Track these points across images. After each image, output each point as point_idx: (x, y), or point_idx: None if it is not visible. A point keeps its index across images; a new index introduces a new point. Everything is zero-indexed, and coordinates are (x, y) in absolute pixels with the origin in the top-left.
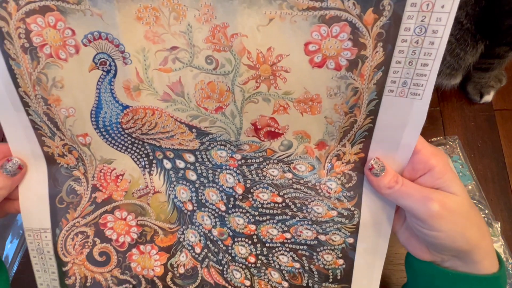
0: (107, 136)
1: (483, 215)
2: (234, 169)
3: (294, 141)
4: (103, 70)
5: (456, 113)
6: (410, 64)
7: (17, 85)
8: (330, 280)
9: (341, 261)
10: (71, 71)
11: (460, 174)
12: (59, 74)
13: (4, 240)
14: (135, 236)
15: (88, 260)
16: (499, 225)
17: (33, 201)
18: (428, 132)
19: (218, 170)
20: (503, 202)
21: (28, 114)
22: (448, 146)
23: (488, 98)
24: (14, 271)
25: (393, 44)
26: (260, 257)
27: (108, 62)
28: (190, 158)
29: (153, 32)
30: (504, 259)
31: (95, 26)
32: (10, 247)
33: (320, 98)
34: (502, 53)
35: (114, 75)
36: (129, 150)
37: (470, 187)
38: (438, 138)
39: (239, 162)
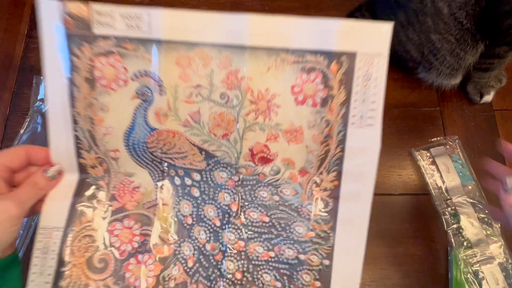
0: (133, 153)
1: (482, 215)
2: (232, 189)
3: (281, 167)
4: (142, 100)
5: (456, 113)
6: (363, 102)
7: (72, 106)
8: None
9: (318, 284)
10: (117, 99)
11: (460, 174)
12: (107, 100)
13: None
14: (136, 245)
15: (87, 265)
16: (499, 226)
17: (57, 201)
18: (428, 132)
19: (218, 189)
20: None
21: (75, 130)
22: (448, 146)
23: (488, 98)
24: None
25: (350, 87)
26: (246, 274)
27: (147, 94)
28: (197, 177)
29: (185, 74)
30: (504, 259)
31: (143, 66)
32: None
33: (302, 129)
34: (502, 53)
35: (150, 104)
36: (148, 166)
37: (470, 187)
38: (438, 138)
39: (236, 183)
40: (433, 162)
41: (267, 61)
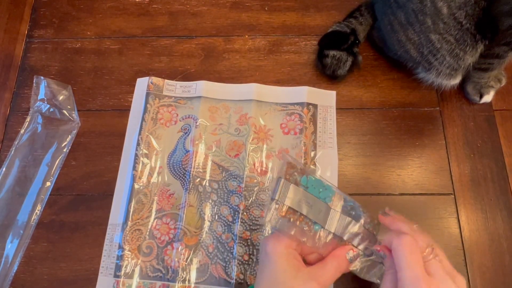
0: (171, 169)
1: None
2: (240, 193)
3: (275, 178)
4: (184, 132)
5: (455, 113)
6: (324, 132)
7: (139, 133)
8: None
9: None
10: (167, 132)
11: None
12: (161, 132)
13: (4, 240)
14: (171, 236)
15: (138, 250)
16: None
17: (118, 204)
18: (428, 132)
19: (230, 194)
20: (503, 202)
21: (137, 150)
22: None
23: (488, 98)
24: (14, 271)
25: (316, 123)
26: (251, 256)
27: (188, 129)
28: (215, 185)
29: (213, 116)
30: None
31: (188, 111)
32: (10, 247)
33: (289, 150)
34: (501, 54)
35: (188, 134)
36: (181, 178)
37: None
38: None
39: (243, 189)
40: None
41: (265, 108)
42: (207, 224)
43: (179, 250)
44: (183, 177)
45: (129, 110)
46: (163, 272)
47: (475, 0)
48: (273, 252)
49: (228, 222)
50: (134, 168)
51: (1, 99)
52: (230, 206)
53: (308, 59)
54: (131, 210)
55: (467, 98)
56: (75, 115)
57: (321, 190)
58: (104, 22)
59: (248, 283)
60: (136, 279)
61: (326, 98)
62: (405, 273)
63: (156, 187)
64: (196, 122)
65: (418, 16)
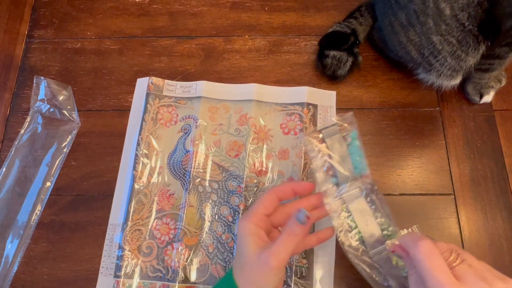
0: (172, 169)
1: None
2: (240, 193)
3: (275, 178)
4: (184, 133)
5: (455, 113)
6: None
7: (139, 133)
8: (298, 276)
9: (304, 261)
10: (168, 132)
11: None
12: (161, 132)
13: (4, 240)
14: (171, 236)
15: (138, 250)
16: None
17: (118, 204)
18: (428, 132)
19: (230, 194)
20: (502, 202)
21: (137, 150)
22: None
23: (488, 98)
24: (14, 271)
25: (316, 123)
26: None
27: (188, 129)
28: (215, 185)
29: (213, 116)
30: None
31: (188, 112)
32: (10, 247)
33: (289, 150)
34: (502, 54)
35: (188, 135)
36: (181, 178)
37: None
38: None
39: (243, 189)
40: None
41: (266, 108)
42: (207, 224)
43: (179, 250)
44: (183, 177)
45: (129, 110)
46: (163, 272)
47: (477, 1)
48: (241, 228)
49: (228, 222)
50: (134, 168)
51: (1, 99)
52: (230, 206)
53: (308, 59)
54: (131, 210)
55: (467, 98)
56: (75, 115)
57: (358, 158)
58: (104, 22)
59: None
60: (136, 279)
61: (326, 98)
62: (429, 281)
63: (156, 187)
64: (196, 122)
65: (419, 17)
